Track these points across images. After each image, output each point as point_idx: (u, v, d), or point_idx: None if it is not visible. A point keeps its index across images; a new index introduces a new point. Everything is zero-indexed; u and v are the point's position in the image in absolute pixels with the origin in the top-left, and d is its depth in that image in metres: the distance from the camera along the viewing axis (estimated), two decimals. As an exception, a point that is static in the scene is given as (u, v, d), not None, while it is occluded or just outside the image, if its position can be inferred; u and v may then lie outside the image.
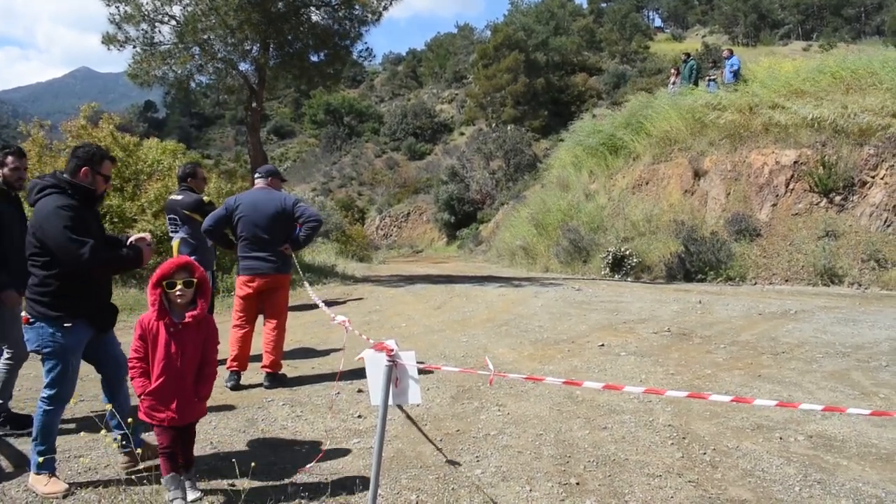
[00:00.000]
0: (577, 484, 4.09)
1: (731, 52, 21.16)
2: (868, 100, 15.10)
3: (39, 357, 4.10)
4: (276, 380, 6.50)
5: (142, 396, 3.69)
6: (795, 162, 15.31)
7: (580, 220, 19.26)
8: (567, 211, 20.31)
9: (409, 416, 5.38)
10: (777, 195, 15.38)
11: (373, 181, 58.65)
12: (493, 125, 51.22)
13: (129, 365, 3.73)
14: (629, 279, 15.75)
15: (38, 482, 3.98)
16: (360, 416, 5.50)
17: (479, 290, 13.54)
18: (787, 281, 13.84)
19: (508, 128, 44.33)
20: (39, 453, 3.97)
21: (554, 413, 5.47)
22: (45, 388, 4.04)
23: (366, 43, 19.54)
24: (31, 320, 4.02)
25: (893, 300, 11.42)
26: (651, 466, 4.35)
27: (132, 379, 3.72)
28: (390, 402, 3.46)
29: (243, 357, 6.48)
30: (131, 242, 4.37)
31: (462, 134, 64.51)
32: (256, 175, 6.80)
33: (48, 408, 4.00)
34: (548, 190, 23.81)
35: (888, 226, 13.73)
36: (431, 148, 64.86)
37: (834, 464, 4.34)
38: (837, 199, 14.50)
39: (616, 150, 20.84)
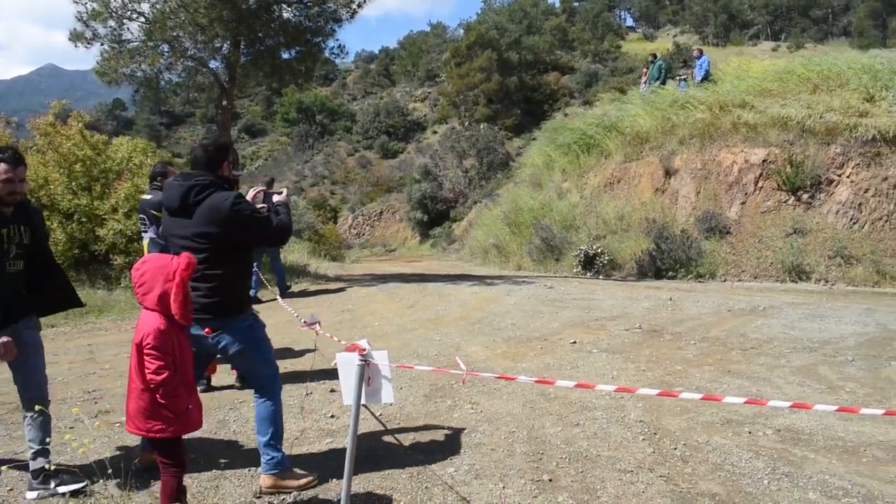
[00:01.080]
0: (550, 480, 4.12)
1: (701, 52, 21.37)
2: (835, 99, 15.36)
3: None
4: (246, 380, 6.45)
5: (187, 409, 3.42)
6: (764, 160, 15.50)
7: (553, 218, 19.33)
8: (539, 209, 20.37)
9: (374, 415, 5.37)
10: (746, 193, 15.57)
11: (345, 180, 58.36)
12: (466, 124, 51.28)
13: (166, 381, 3.31)
14: (601, 277, 15.85)
15: (290, 477, 4.04)
16: (332, 416, 5.48)
17: (452, 289, 13.54)
18: (755, 278, 14.02)
19: (481, 126, 44.36)
20: (278, 449, 4.05)
21: (527, 410, 5.49)
22: (259, 387, 4.13)
23: (338, 40, 19.41)
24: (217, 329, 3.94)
25: (859, 296, 11.63)
26: (623, 462, 4.39)
27: (173, 397, 3.34)
28: (363, 401, 3.46)
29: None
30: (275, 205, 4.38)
31: (435, 132, 64.41)
32: None
33: (271, 401, 4.10)
34: (520, 188, 23.85)
35: (854, 223, 13.98)
36: (404, 146, 64.66)
37: (802, 457, 4.41)
38: (805, 197, 14.72)
39: (588, 149, 20.93)
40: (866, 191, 14.17)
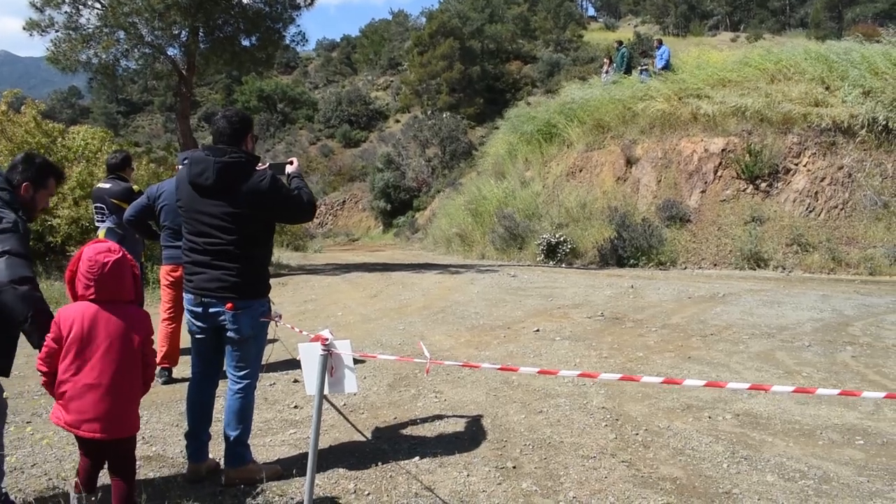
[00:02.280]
0: (514, 467, 4.13)
1: (661, 42, 21.54)
2: (791, 89, 15.62)
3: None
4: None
5: None
6: (723, 150, 15.72)
7: (515, 207, 19.39)
8: (502, 198, 20.42)
9: (335, 407, 5.34)
10: (706, 182, 15.78)
11: (307, 169, 57.87)
12: (429, 112, 51.12)
13: None
14: (564, 265, 15.96)
15: (254, 469, 3.96)
16: (296, 407, 5.44)
17: (415, 278, 13.52)
18: (715, 265, 14.24)
19: (444, 115, 44.29)
20: (245, 444, 3.99)
21: (490, 398, 5.51)
22: (241, 378, 3.99)
23: (298, 26, 19.22)
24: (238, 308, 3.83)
25: (815, 283, 11.87)
26: (585, 448, 4.42)
27: None
28: (326, 391, 3.43)
29: (173, 353, 6.31)
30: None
31: (397, 121, 64.13)
32: (181, 160, 6.51)
33: (249, 396, 4.05)
34: (483, 177, 23.88)
35: (810, 211, 14.25)
36: (367, 135, 64.30)
37: (760, 441, 4.49)
38: (763, 185, 14.97)
39: (550, 138, 21.03)
40: (822, 179, 14.46)
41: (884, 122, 14.28)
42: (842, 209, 14.08)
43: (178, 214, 5.91)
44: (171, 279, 6.24)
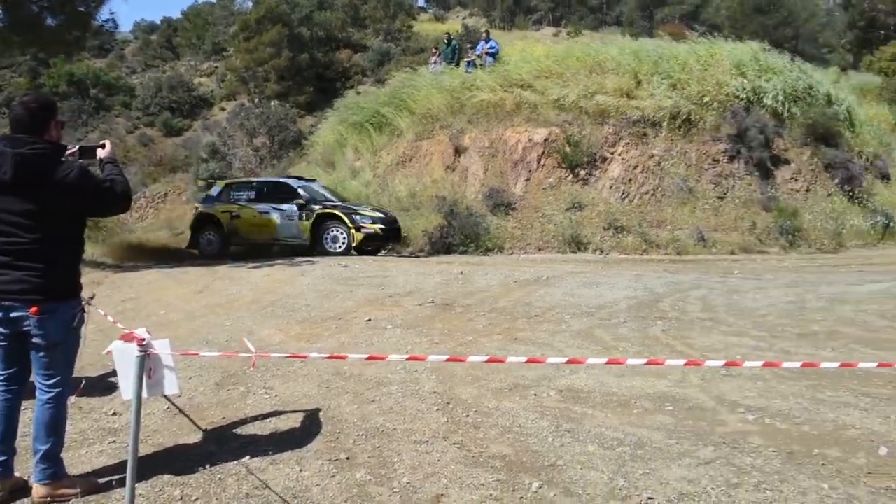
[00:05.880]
0: (347, 458, 4.11)
1: (489, 35, 22.12)
2: (608, 82, 16.56)
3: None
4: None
5: None
6: (546, 139, 16.42)
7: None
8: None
9: (174, 405, 5.10)
10: (530, 170, 16.42)
11: (125, 159, 54.47)
12: (256, 100, 49.70)
13: None
14: (394, 254, 16.05)
15: (67, 485, 3.67)
16: (115, 414, 5.11)
17: (243, 272, 13.11)
18: (539, 250, 14.86)
19: (272, 103, 43.22)
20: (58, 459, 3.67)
21: (322, 391, 5.45)
22: (51, 386, 3.65)
23: (112, 13, 18.11)
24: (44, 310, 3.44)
25: (630, 264, 12.68)
26: (418, 433, 4.47)
27: None
28: (145, 394, 3.25)
29: None
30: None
31: (223, 109, 61.78)
32: None
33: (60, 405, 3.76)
34: (313, 167, 23.55)
35: (625, 197, 15.21)
36: (190, 123, 61.53)
37: (581, 413, 4.74)
38: (582, 173, 15.80)
39: (380, 127, 21.05)
40: (635, 167, 15.46)
41: (686, 115, 15.45)
42: (652, 195, 15.13)
43: None
44: None
